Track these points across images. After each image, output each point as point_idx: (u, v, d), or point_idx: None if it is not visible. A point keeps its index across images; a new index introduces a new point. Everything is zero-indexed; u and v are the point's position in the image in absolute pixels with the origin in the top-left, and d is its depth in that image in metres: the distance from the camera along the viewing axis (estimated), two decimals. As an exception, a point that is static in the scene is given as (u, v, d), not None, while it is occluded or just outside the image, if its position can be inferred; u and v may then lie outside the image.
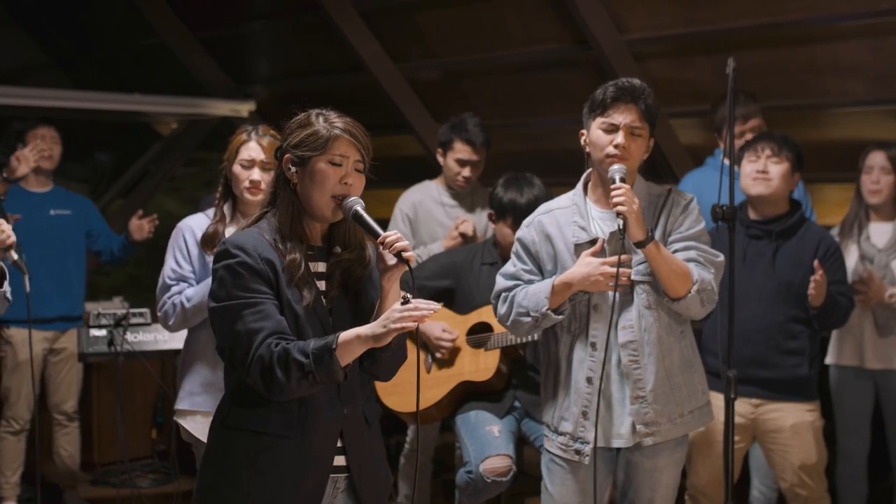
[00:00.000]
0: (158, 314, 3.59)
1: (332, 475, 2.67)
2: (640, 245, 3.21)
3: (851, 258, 4.36)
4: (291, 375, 2.48)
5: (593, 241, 3.32)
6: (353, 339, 2.50)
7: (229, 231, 3.49)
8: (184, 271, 3.57)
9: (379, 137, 2.74)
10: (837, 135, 5.20)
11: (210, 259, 3.50)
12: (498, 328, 4.12)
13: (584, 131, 3.37)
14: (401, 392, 4.13)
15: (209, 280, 3.38)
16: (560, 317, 3.32)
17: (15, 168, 5.10)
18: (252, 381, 2.53)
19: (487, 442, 4.02)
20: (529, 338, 3.98)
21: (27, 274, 3.89)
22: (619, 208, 3.15)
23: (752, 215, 4.10)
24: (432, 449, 5.04)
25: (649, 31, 5.26)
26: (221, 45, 7.29)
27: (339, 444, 2.67)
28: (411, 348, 2.78)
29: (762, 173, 4.01)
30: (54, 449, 5.45)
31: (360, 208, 2.62)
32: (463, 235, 4.74)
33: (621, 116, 3.27)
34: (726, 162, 3.91)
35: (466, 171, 4.91)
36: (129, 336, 4.82)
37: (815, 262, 3.90)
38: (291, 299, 2.58)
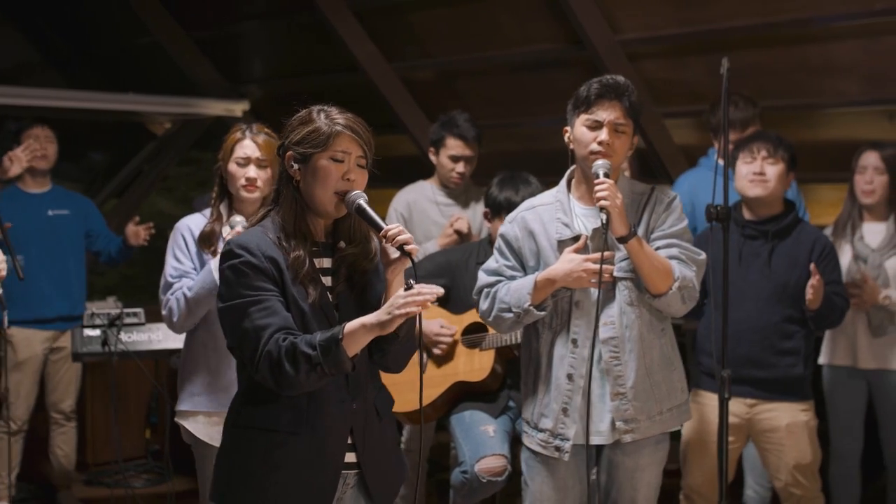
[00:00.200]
0: (163, 313, 3.57)
1: (342, 471, 2.68)
2: (623, 240, 3.22)
3: (845, 258, 4.36)
4: (300, 368, 2.49)
5: (576, 238, 3.33)
6: (358, 328, 2.51)
7: (226, 230, 3.49)
8: (185, 268, 3.57)
9: (373, 137, 2.75)
10: (831, 135, 5.20)
11: (208, 257, 3.51)
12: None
13: (567, 128, 3.38)
14: (398, 392, 4.10)
15: (208, 268, 3.40)
16: (542, 313, 3.33)
17: (7, 168, 5.10)
18: (261, 377, 2.54)
19: (482, 442, 4.02)
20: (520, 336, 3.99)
21: (22, 277, 3.89)
22: (603, 203, 3.16)
23: (747, 215, 4.10)
24: (427, 449, 5.04)
25: (643, 31, 5.27)
26: (216, 45, 7.29)
27: (349, 441, 2.68)
28: None
29: (759, 175, 4.01)
30: (50, 448, 5.45)
31: (363, 202, 2.62)
32: (458, 232, 4.75)
33: (605, 113, 3.28)
34: (720, 162, 3.91)
35: (460, 167, 4.91)
36: (123, 336, 4.81)
37: (812, 266, 3.90)
38: (297, 296, 2.59)
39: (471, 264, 4.33)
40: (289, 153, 2.67)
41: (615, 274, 3.30)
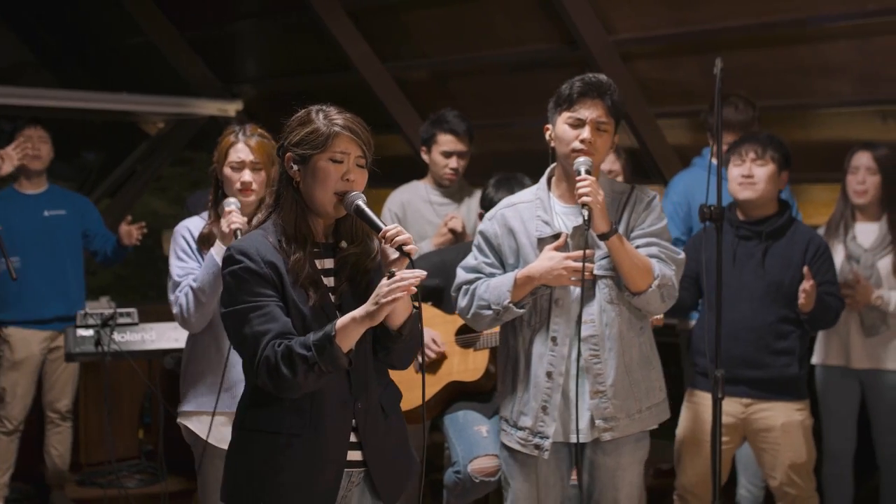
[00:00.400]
0: (174, 312, 3.55)
1: (346, 470, 2.69)
2: (604, 237, 3.23)
3: (838, 258, 4.37)
4: (298, 370, 2.51)
5: (556, 236, 3.33)
6: (348, 322, 2.53)
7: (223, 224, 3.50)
8: (189, 266, 3.57)
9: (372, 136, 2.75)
10: (824, 135, 5.21)
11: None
12: (487, 328, 4.12)
13: (548, 126, 3.39)
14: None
15: (210, 256, 3.42)
16: (521, 310, 3.33)
17: None
18: (262, 383, 2.57)
19: (476, 442, 4.02)
20: None
21: (15, 278, 3.88)
22: (584, 199, 3.17)
23: (741, 216, 4.11)
24: (421, 449, 5.02)
25: (637, 31, 5.27)
26: (209, 45, 7.28)
27: (354, 440, 2.69)
28: None
29: (747, 178, 4.02)
30: (45, 448, 5.45)
31: (361, 203, 2.63)
32: (452, 232, 4.75)
33: (588, 111, 3.28)
34: (713, 161, 3.92)
35: (453, 162, 4.90)
36: (117, 336, 4.80)
37: (805, 269, 3.91)
38: (297, 300, 2.61)
39: (465, 264, 4.33)
40: (288, 154, 2.67)
41: (595, 272, 3.30)
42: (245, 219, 3.44)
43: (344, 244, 2.72)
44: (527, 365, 3.38)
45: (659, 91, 5.46)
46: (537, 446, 3.36)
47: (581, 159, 3.25)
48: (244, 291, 2.58)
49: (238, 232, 3.38)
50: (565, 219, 3.37)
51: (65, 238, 5.38)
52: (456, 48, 6.04)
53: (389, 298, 2.49)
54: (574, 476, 3.47)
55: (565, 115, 3.31)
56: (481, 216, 4.36)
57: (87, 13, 7.75)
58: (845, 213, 4.50)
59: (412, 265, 2.58)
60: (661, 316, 3.82)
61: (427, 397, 4.20)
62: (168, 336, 4.84)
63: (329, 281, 2.69)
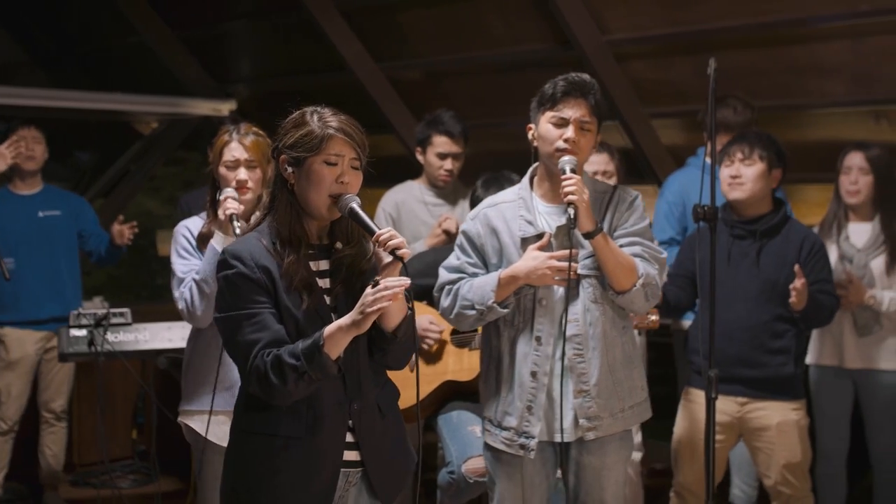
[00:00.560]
0: (180, 308, 3.54)
1: (343, 470, 2.70)
2: (589, 236, 3.23)
3: (831, 258, 4.37)
4: (288, 380, 2.52)
5: (540, 236, 3.33)
6: (336, 331, 2.53)
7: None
8: (192, 263, 3.57)
9: (366, 138, 2.74)
10: (817, 135, 5.22)
11: None
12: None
13: (531, 125, 3.39)
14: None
15: (211, 246, 3.42)
16: (505, 310, 3.33)
17: None
18: (253, 391, 2.59)
19: (469, 442, 4.02)
20: None
21: (8, 278, 3.88)
22: (570, 198, 3.17)
23: (735, 216, 4.12)
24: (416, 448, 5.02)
25: (631, 31, 5.27)
26: (203, 45, 7.27)
27: (352, 440, 2.70)
28: None
29: (735, 178, 4.04)
30: (39, 448, 5.44)
31: (355, 205, 2.63)
32: (446, 232, 4.75)
33: (571, 111, 3.29)
34: (707, 160, 3.92)
35: (448, 164, 4.91)
36: (110, 336, 4.80)
37: (797, 268, 3.91)
38: (290, 305, 2.61)
39: (459, 264, 4.33)
40: (283, 157, 2.67)
41: (579, 271, 3.30)
42: (240, 205, 3.45)
43: (339, 245, 2.72)
44: (510, 365, 3.37)
45: (653, 91, 5.46)
46: (523, 446, 3.35)
47: (566, 158, 3.25)
48: (237, 297, 2.59)
49: (234, 217, 3.39)
50: (548, 218, 3.37)
51: (60, 238, 5.37)
52: (450, 48, 6.04)
53: (374, 308, 2.50)
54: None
55: (549, 114, 3.32)
56: (472, 216, 4.37)
57: (80, 12, 7.75)
58: (838, 214, 4.51)
59: (405, 269, 2.58)
60: (656, 317, 3.83)
61: (421, 396, 4.19)
62: (161, 336, 4.84)
63: (324, 282, 2.69)
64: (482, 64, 6.02)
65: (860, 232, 4.47)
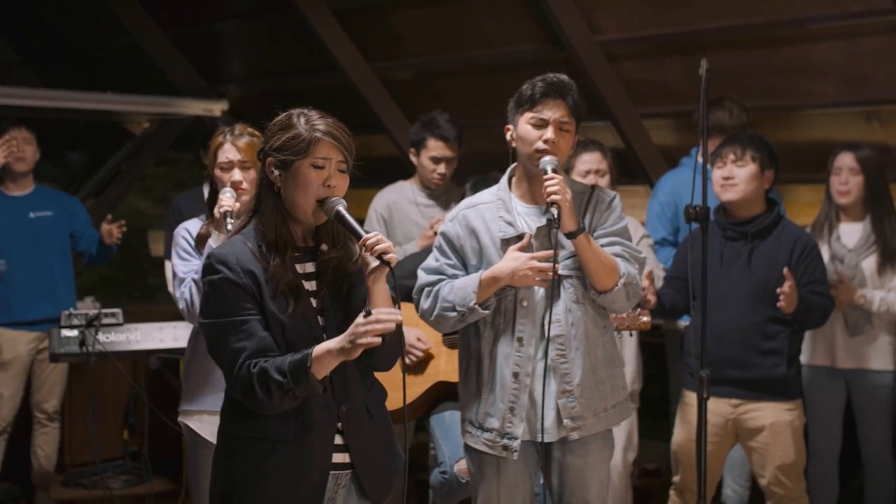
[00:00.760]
0: (180, 308, 3.55)
1: (332, 472, 2.70)
2: (572, 235, 3.23)
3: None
4: (273, 394, 2.52)
5: (520, 236, 3.32)
6: (324, 354, 2.54)
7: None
8: (192, 264, 3.58)
9: (353, 140, 2.74)
10: (809, 136, 5.23)
11: None
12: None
13: (510, 126, 3.39)
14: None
15: (209, 247, 3.41)
16: (486, 311, 3.32)
17: None
18: (237, 398, 2.59)
19: (462, 443, 4.01)
20: None
21: (0, 279, 3.88)
22: (554, 197, 3.17)
23: (728, 217, 4.12)
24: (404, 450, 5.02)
25: (622, 31, 5.28)
26: (194, 45, 7.26)
27: (340, 442, 2.70)
28: None
29: (727, 179, 4.04)
30: (31, 449, 5.43)
31: (342, 209, 2.62)
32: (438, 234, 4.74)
33: (550, 112, 3.29)
34: (700, 160, 3.93)
35: (441, 168, 4.91)
36: (101, 336, 4.79)
37: (785, 271, 3.91)
38: (276, 310, 2.60)
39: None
40: (269, 159, 2.66)
41: (560, 272, 3.30)
42: (236, 203, 3.46)
43: (325, 247, 2.71)
44: (491, 366, 3.37)
45: (644, 92, 5.46)
46: (505, 447, 3.35)
47: (547, 158, 3.25)
48: (223, 304, 2.58)
49: (228, 214, 3.40)
50: (528, 219, 3.36)
51: (52, 239, 5.36)
52: (442, 48, 6.03)
53: (365, 340, 2.49)
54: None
55: (528, 115, 3.32)
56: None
57: (71, 12, 7.73)
58: (830, 214, 4.52)
59: (392, 274, 2.58)
60: (648, 318, 3.83)
61: (413, 397, 4.20)
62: (153, 336, 4.83)
63: (310, 285, 2.68)
64: (474, 64, 6.02)
65: (851, 232, 4.48)
